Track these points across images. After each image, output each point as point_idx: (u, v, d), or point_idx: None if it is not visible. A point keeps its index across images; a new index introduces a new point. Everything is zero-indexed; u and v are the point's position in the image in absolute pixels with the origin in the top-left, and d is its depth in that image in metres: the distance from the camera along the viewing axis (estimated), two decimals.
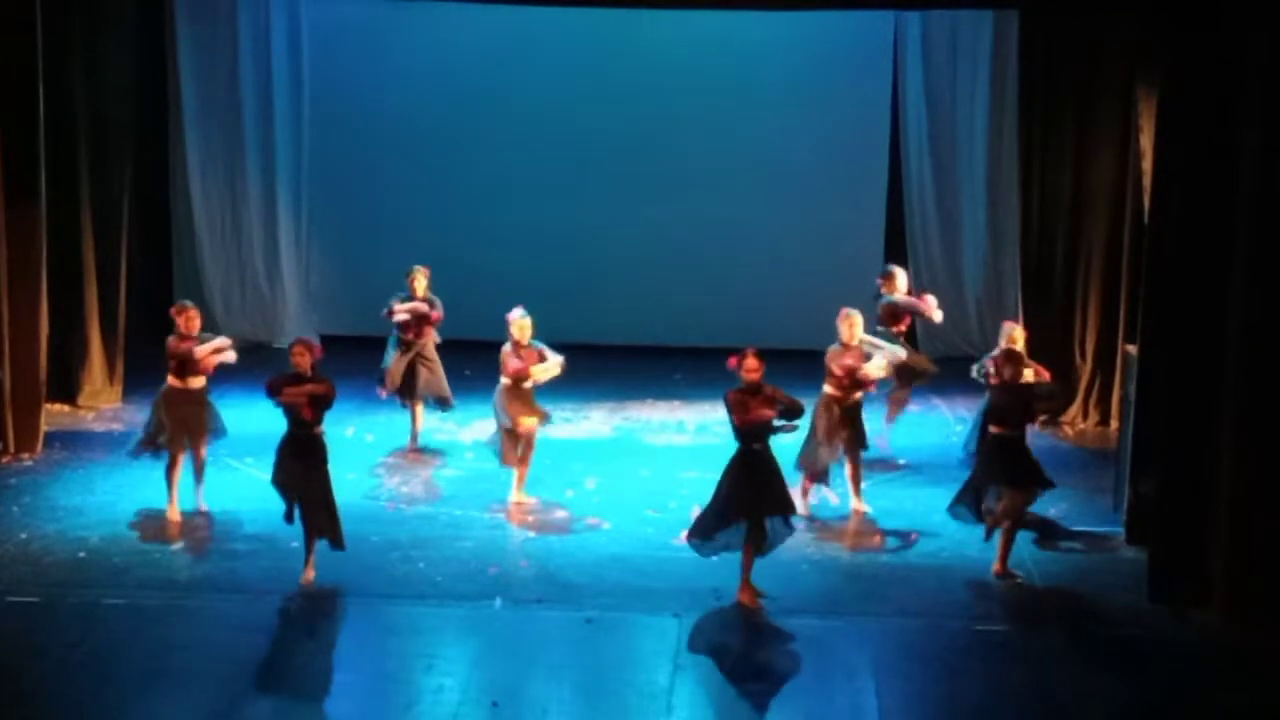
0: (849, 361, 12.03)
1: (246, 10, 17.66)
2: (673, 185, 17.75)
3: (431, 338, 13.74)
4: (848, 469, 12.28)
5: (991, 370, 11.62)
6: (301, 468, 10.49)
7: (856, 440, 12.18)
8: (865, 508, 12.23)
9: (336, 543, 10.57)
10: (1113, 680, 9.37)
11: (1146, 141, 12.19)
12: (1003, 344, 11.95)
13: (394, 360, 13.64)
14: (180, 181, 17.89)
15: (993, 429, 11.03)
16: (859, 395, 12.19)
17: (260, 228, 18.03)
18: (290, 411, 10.50)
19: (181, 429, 11.80)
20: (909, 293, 14.04)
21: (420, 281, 13.58)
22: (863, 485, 12.36)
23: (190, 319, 11.89)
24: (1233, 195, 10.12)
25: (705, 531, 10.38)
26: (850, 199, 17.79)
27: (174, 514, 11.77)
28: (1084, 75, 14.81)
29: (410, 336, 13.62)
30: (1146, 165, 12.05)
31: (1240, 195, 10.07)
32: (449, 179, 17.89)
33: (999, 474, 10.87)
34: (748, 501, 10.24)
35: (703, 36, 17.30)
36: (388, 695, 9.01)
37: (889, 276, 13.97)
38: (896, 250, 17.64)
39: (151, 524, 11.67)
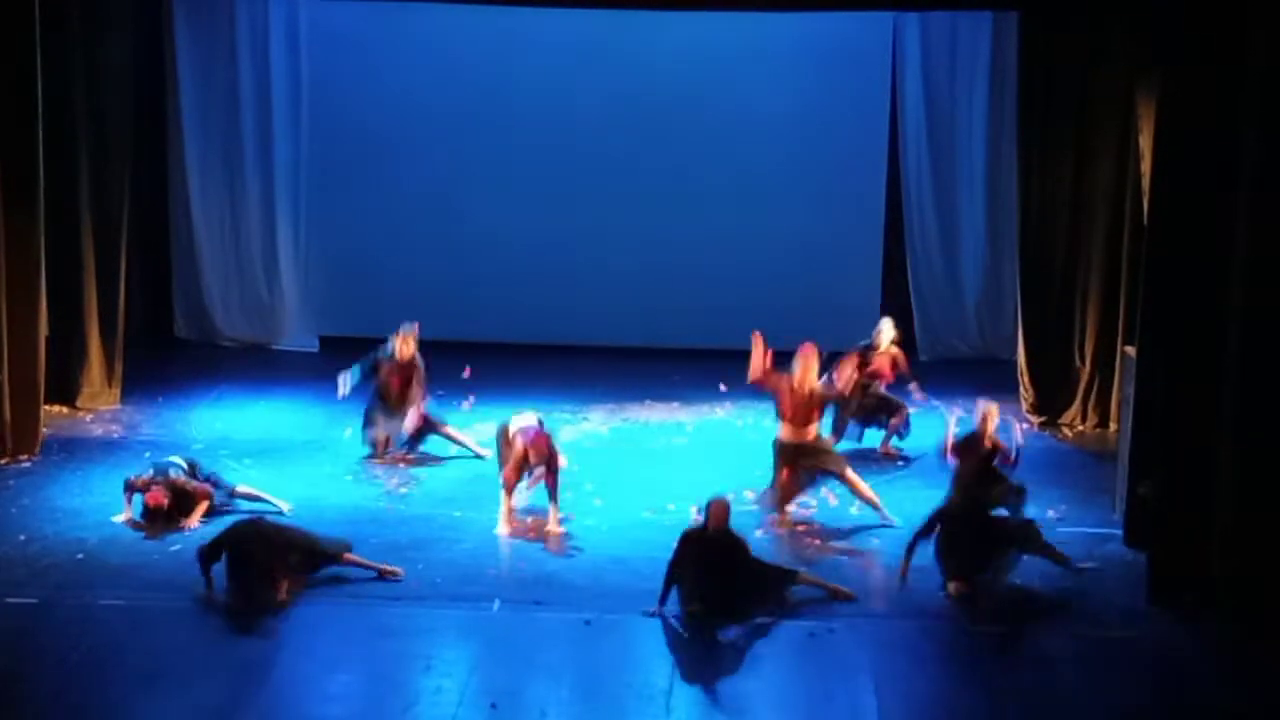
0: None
1: (245, 10, 17.63)
2: (671, 186, 17.70)
3: (419, 396, 13.40)
4: (853, 489, 12.12)
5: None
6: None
7: (829, 464, 12.08)
8: (893, 519, 11.98)
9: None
10: (1112, 682, 9.36)
11: (1146, 142, 12.17)
12: (876, 340, 11.60)
13: (380, 425, 13.48)
14: (180, 181, 17.83)
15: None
16: (811, 430, 12.02)
17: (259, 228, 17.97)
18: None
19: None
20: (895, 342, 13.99)
21: (408, 344, 13.38)
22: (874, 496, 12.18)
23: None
24: (1233, 195, 10.10)
25: None
26: (849, 201, 17.74)
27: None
28: (1083, 76, 14.76)
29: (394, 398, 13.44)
30: (1146, 166, 12.03)
31: (1240, 195, 10.06)
32: (448, 181, 17.84)
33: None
34: None
35: (701, 37, 17.26)
36: (386, 696, 9.00)
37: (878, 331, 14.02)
38: (895, 252, 17.65)
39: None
